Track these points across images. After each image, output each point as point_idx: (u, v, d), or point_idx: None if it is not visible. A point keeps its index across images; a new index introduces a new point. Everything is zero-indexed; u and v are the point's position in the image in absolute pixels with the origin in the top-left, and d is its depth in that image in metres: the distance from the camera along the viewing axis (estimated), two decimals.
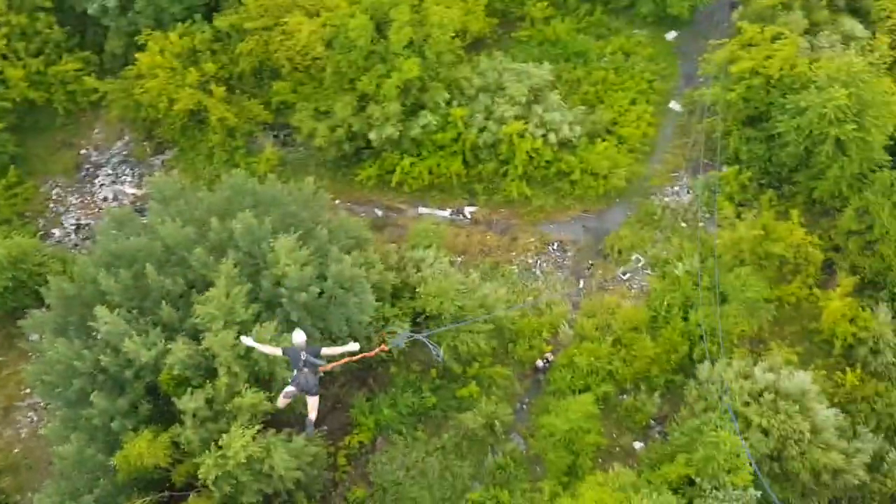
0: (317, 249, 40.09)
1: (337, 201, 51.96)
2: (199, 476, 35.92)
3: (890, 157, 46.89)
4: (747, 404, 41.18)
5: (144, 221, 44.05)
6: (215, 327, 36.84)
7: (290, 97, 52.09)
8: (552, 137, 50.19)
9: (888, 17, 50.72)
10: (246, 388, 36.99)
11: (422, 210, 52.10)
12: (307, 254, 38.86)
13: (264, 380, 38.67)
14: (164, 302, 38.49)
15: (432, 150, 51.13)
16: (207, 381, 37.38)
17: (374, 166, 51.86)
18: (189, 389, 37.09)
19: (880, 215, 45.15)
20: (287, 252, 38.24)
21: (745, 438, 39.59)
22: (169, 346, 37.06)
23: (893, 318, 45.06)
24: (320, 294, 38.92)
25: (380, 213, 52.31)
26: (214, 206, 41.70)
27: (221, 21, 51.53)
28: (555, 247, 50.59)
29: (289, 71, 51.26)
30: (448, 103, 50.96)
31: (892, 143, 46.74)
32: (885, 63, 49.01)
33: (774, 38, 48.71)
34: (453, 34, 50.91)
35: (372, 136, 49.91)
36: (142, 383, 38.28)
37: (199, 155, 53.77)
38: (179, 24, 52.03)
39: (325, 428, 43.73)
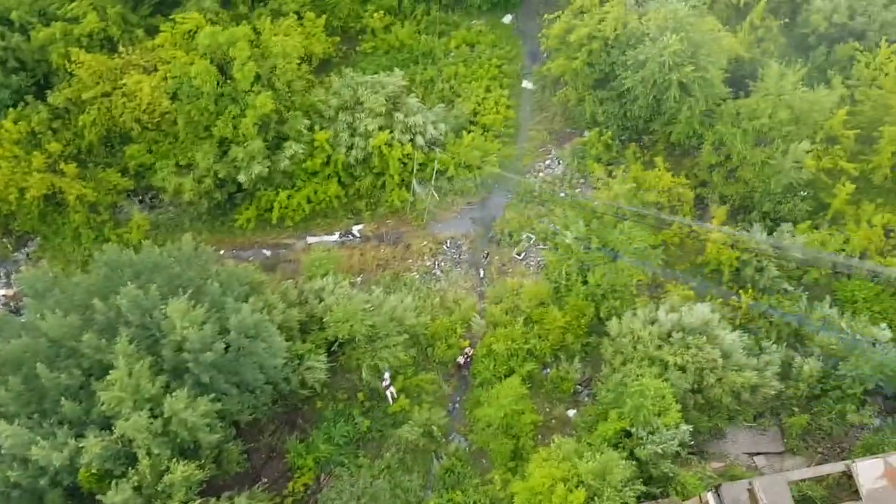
0: (212, 305, 38.65)
1: (221, 251, 50.23)
2: None
3: (730, 89, 49.57)
4: (660, 347, 42.65)
5: (23, 321, 41.32)
6: (125, 410, 34.86)
7: (147, 158, 50.08)
8: (420, 140, 50.39)
9: None
10: (174, 463, 35.22)
11: (310, 240, 51.18)
12: (203, 312, 37.39)
13: (189, 449, 36.95)
14: (63, 399, 36.07)
15: (306, 179, 50.33)
16: (130, 469, 35.34)
17: (250, 208, 50.53)
18: (113, 482, 34.95)
19: (734, 144, 47.71)
20: (181, 315, 36.64)
21: (665, 379, 40.98)
22: (80, 443, 34.82)
23: (769, 235, 47.66)
24: (226, 349, 37.51)
25: (268, 252, 50.99)
26: (93, 287, 39.57)
27: (56, 97, 48.81)
28: (448, 244, 50.81)
29: (139, 132, 49.28)
30: (310, 129, 50.24)
31: (728, 75, 49.37)
32: (705, 3, 51.76)
33: (603, 2, 50.53)
34: (299, 61, 50.26)
35: (241, 178, 48.60)
36: (60, 489, 35.84)
37: (64, 239, 50.76)
38: (11, 109, 48.91)
39: (265, 480, 42.25)
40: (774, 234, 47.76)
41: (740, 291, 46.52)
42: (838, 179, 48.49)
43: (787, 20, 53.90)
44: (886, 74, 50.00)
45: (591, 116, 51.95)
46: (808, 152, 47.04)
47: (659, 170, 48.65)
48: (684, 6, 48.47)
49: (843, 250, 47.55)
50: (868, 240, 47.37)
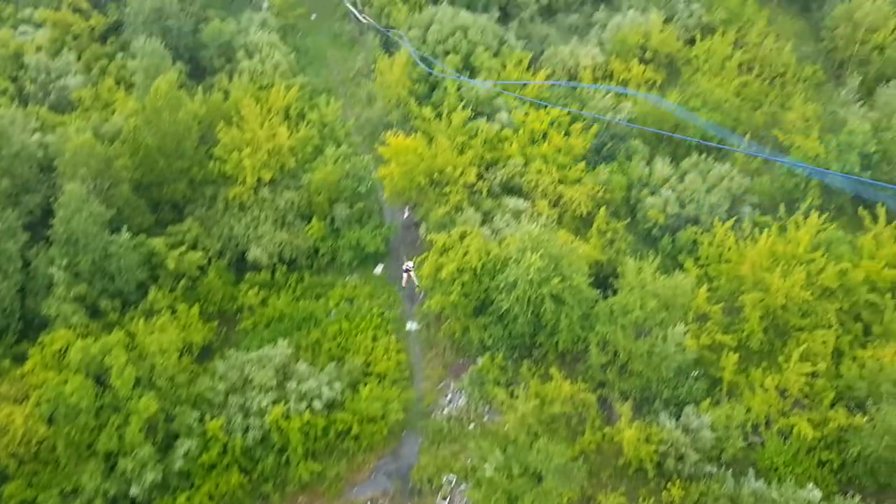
0: None
1: None
2: None
3: (598, 290, 52.21)
4: None
5: None
6: None
7: (28, 494, 45.37)
8: (317, 404, 48.92)
9: (536, 186, 58.24)
10: None
11: None
12: None
13: None
14: None
15: (204, 474, 46.93)
16: None
17: None
18: None
19: (617, 340, 49.40)
20: None
21: None
22: None
23: (676, 420, 48.10)
24: None
25: None
26: None
27: None
28: None
29: (16, 468, 45.20)
30: (200, 420, 47.85)
31: (593, 279, 52.16)
32: (553, 220, 55.79)
33: (462, 237, 53.44)
34: (178, 354, 49.01)
35: (134, 491, 44.85)
36: None
37: None
38: None
39: None
40: (680, 418, 48.29)
41: (668, 485, 45.87)
42: (721, 353, 50.51)
43: (629, 220, 58.89)
44: (729, 249, 54.63)
45: (479, 343, 52.81)
46: (685, 333, 49.16)
47: (556, 380, 49.14)
48: (535, 227, 51.89)
49: (748, 420, 48.59)
50: (767, 404, 48.73)
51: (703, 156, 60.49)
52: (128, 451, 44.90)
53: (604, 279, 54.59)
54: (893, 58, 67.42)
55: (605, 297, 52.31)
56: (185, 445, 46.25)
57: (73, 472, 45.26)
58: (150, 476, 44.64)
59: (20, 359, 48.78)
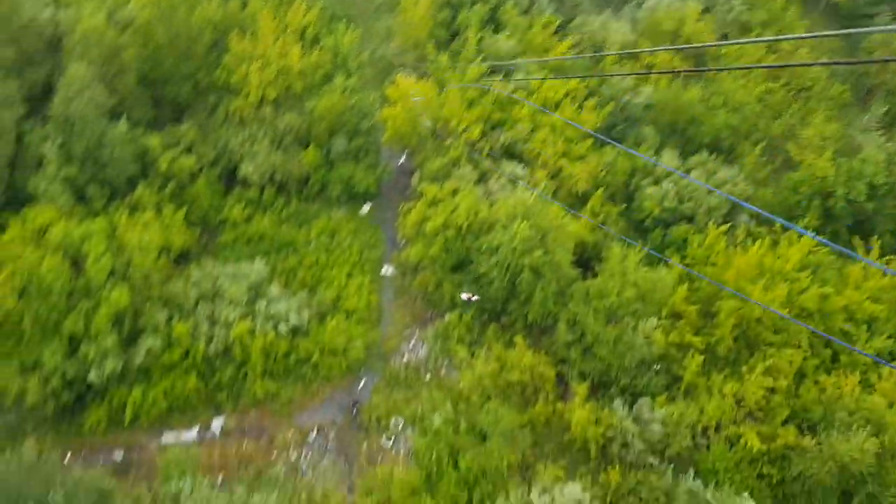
0: None
1: (68, 456, 48.85)
2: None
3: (578, 269, 55.31)
4: None
5: None
6: None
7: None
8: (283, 328, 52.40)
9: (539, 154, 61.02)
10: None
11: (165, 439, 50.64)
12: None
13: None
14: None
15: (163, 373, 50.66)
16: None
17: (101, 408, 49.87)
18: None
19: (587, 322, 52.57)
20: None
21: None
22: None
23: (629, 409, 51.65)
24: None
25: (120, 455, 49.89)
26: None
27: None
28: (315, 434, 51.62)
29: None
30: (168, 321, 51.34)
31: (576, 258, 55.21)
32: (548, 193, 58.57)
33: (454, 193, 56.27)
34: (157, 253, 52.11)
35: (92, 376, 48.37)
36: None
37: None
38: None
39: None
40: (634, 408, 51.81)
41: (609, 468, 49.53)
42: (687, 353, 53.69)
43: (624, 206, 61.74)
44: (717, 253, 57.56)
45: (451, 299, 56.04)
46: (656, 328, 52.38)
47: (520, 349, 52.49)
48: (530, 196, 54.80)
49: (699, 421, 52.14)
50: (721, 410, 52.00)
51: (713, 155, 63.06)
52: (92, 338, 48.26)
53: (586, 260, 57.62)
54: None
55: (584, 279, 55.35)
56: (148, 342, 49.77)
57: (36, 348, 48.65)
58: (111, 365, 48.12)
59: (1, 229, 51.80)
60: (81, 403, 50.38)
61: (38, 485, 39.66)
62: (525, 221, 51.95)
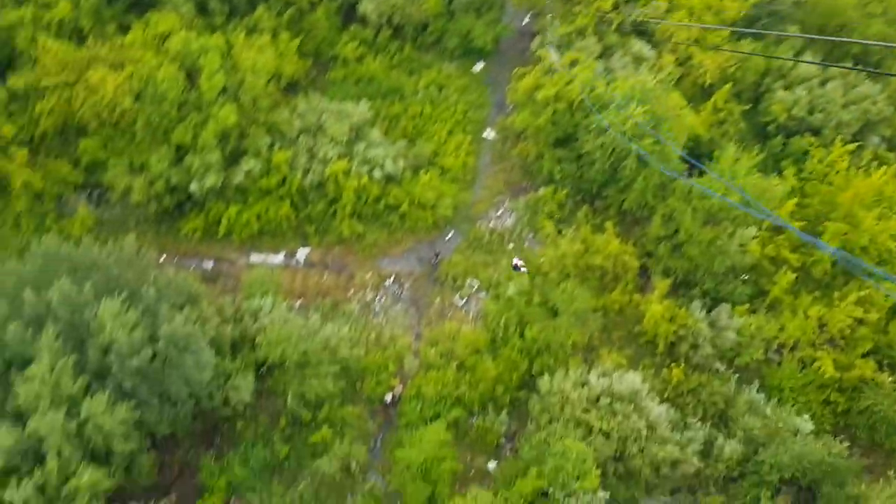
0: (145, 310, 40.43)
1: (163, 257, 52.24)
2: None
3: (686, 165, 53.44)
4: (587, 410, 45.47)
5: None
6: (42, 406, 36.33)
7: (101, 154, 51.84)
8: (377, 173, 53.21)
9: (671, 37, 57.88)
10: (82, 467, 36.62)
11: (253, 258, 53.32)
12: (135, 316, 39.14)
13: (101, 455, 38.38)
14: None
15: (258, 196, 52.61)
16: (37, 467, 36.64)
17: (198, 218, 52.54)
18: (16, 479, 36.19)
19: (683, 220, 51.35)
20: (113, 317, 38.38)
21: (589, 443, 43.68)
22: None
23: (707, 313, 51.19)
24: (153, 357, 39.21)
25: (210, 264, 52.98)
26: (27, 276, 40.98)
27: (16, 80, 50.58)
28: (392, 280, 53.33)
29: (96, 127, 51.09)
30: (270, 147, 52.71)
31: (686, 152, 53.17)
32: (672, 79, 55.93)
33: (572, 64, 54.36)
34: (268, 78, 52.85)
35: (193, 187, 50.68)
36: None
37: (3, 225, 52.17)
38: None
39: (174, 496, 43.73)
40: (712, 312, 51.30)
41: (672, 365, 49.83)
42: (780, 268, 52.27)
43: (749, 106, 58.56)
44: (837, 172, 54.57)
45: (548, 173, 55.34)
46: (753, 238, 50.85)
47: (608, 235, 52.02)
48: (652, 79, 52.48)
49: (777, 338, 51.38)
50: (802, 330, 51.07)
51: (858, 66, 58.55)
52: (198, 151, 50.18)
53: (696, 156, 55.48)
54: None
55: (690, 175, 53.61)
56: (249, 164, 51.50)
57: (145, 150, 51.04)
58: (212, 179, 50.20)
59: (124, 29, 53.26)
60: (181, 210, 53.17)
61: (135, 277, 42.56)
62: (642, 106, 50.03)
